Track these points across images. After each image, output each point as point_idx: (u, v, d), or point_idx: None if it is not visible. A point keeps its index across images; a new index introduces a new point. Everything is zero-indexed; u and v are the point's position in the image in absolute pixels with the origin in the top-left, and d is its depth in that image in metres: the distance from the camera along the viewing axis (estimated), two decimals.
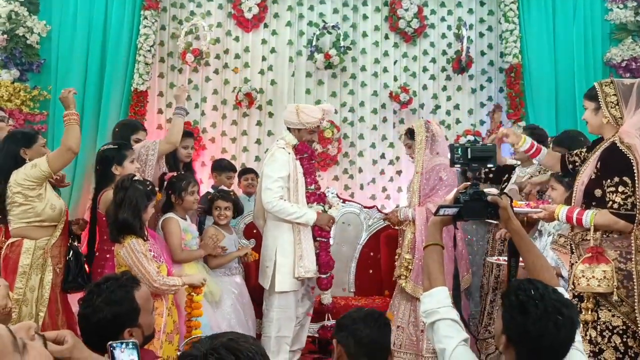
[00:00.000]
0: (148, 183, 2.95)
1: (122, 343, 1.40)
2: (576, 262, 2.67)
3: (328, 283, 3.82)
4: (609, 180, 2.56)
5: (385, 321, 1.95)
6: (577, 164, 2.95)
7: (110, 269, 3.18)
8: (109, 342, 1.40)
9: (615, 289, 2.50)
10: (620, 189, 2.52)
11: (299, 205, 3.65)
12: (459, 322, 1.79)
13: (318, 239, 3.76)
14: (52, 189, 3.22)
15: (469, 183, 1.99)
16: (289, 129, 3.79)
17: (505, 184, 3.96)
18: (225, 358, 1.27)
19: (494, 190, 2.01)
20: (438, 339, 1.76)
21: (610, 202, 2.54)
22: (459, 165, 2.08)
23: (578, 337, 1.70)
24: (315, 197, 3.80)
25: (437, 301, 1.82)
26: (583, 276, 2.54)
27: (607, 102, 2.64)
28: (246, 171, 5.03)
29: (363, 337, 1.86)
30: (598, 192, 2.61)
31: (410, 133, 3.79)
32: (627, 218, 2.52)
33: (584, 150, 2.92)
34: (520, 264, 2.05)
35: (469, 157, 2.04)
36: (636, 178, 2.50)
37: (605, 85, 2.67)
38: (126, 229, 2.78)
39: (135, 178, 2.93)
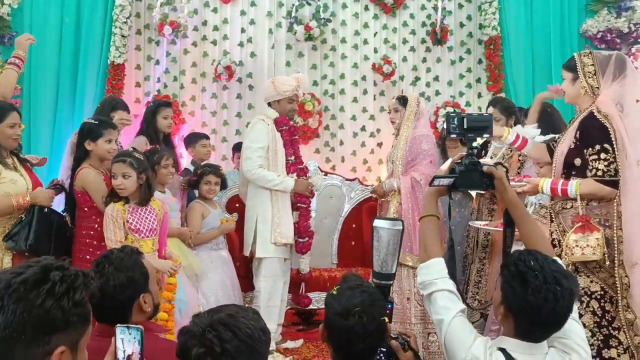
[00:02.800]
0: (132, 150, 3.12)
1: (127, 327, 1.38)
2: (555, 230, 2.74)
3: (304, 247, 3.95)
4: (590, 149, 2.61)
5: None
6: None
7: (88, 246, 3.15)
8: (117, 325, 1.39)
9: (601, 256, 2.56)
10: (603, 156, 2.57)
11: (277, 173, 3.79)
12: (456, 292, 1.79)
13: (298, 204, 3.90)
14: (11, 169, 3.03)
15: (464, 153, 1.99)
16: (269, 105, 3.94)
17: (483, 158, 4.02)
18: (223, 335, 1.26)
19: (489, 161, 2.01)
20: (435, 310, 1.76)
21: (594, 170, 2.59)
22: (455, 135, 2.06)
23: (575, 307, 1.73)
24: (295, 168, 3.91)
25: (434, 272, 1.81)
26: (577, 246, 2.57)
27: (585, 72, 2.69)
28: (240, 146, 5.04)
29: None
30: (578, 162, 2.66)
31: (402, 100, 3.87)
32: (611, 184, 2.57)
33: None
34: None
35: (465, 126, 2.01)
36: (615, 146, 2.56)
37: (584, 56, 2.73)
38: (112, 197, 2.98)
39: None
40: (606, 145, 2.57)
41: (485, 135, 2.09)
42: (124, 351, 1.36)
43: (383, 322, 1.64)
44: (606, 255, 2.57)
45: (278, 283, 3.84)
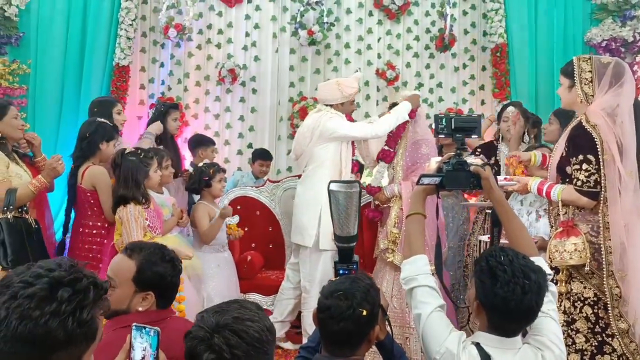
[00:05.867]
0: (140, 151, 3.02)
1: (143, 327, 1.39)
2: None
3: None
4: (574, 158, 2.62)
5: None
6: None
7: (91, 244, 3.16)
8: (134, 324, 1.41)
9: (588, 261, 2.56)
10: (584, 166, 2.57)
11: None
12: (437, 289, 1.82)
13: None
14: (16, 164, 3.08)
15: (452, 153, 2.01)
16: (330, 106, 3.85)
17: (495, 167, 4.02)
18: (231, 341, 1.27)
19: (477, 160, 2.04)
20: (415, 304, 1.80)
21: (575, 180, 2.61)
22: (443, 135, 2.10)
23: (552, 305, 1.77)
24: (358, 167, 4.08)
25: (416, 268, 1.85)
26: (556, 251, 2.61)
27: (581, 78, 2.66)
28: (267, 157, 5.19)
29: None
30: (568, 169, 2.67)
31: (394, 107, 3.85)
32: (589, 195, 2.58)
33: None
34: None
35: (453, 127, 2.06)
36: (600, 156, 2.55)
37: (583, 61, 2.69)
38: (124, 202, 2.91)
39: (127, 151, 2.99)
40: (589, 156, 2.57)
41: (473, 136, 2.12)
42: (144, 349, 1.37)
43: (361, 315, 1.66)
44: (589, 260, 2.57)
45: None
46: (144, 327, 1.38)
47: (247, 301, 1.41)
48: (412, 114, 3.78)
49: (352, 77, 4.02)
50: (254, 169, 5.13)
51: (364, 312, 1.66)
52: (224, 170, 3.90)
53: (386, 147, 3.83)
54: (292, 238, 3.96)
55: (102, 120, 3.36)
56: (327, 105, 3.85)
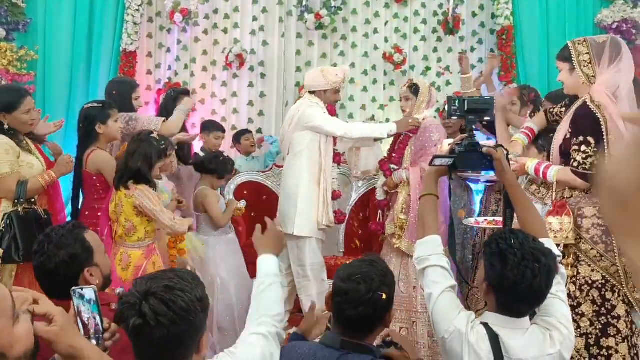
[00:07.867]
0: (163, 142, 2.95)
1: (81, 289, 1.37)
2: None
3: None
4: (575, 139, 2.61)
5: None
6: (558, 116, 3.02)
7: (102, 227, 3.19)
8: (72, 288, 1.38)
9: (563, 240, 2.56)
10: (583, 148, 2.57)
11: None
12: (449, 269, 1.85)
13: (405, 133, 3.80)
14: (28, 152, 3.05)
15: (465, 135, 2.02)
16: (312, 93, 3.86)
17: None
18: (157, 309, 1.29)
19: (490, 142, 2.04)
20: (427, 284, 1.83)
21: (572, 160, 2.61)
22: (456, 117, 2.11)
23: (561, 287, 1.80)
24: (339, 158, 3.99)
25: (429, 249, 1.87)
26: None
27: (580, 61, 2.63)
28: (246, 131, 5.16)
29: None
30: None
31: (413, 88, 3.83)
32: (583, 177, 2.58)
33: (562, 106, 2.94)
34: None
35: (466, 108, 2.07)
36: (604, 136, 2.54)
37: (579, 44, 2.66)
38: (137, 177, 2.82)
39: (153, 135, 2.96)
40: (589, 138, 2.56)
41: (486, 118, 2.12)
42: (88, 318, 1.36)
43: (380, 298, 1.67)
44: (594, 244, 2.58)
45: (322, 261, 3.85)
46: (82, 290, 1.36)
47: (185, 271, 1.41)
48: (415, 130, 3.74)
49: (339, 68, 4.05)
50: (243, 147, 5.09)
51: (383, 296, 1.67)
52: (232, 170, 3.98)
53: (394, 166, 3.82)
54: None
55: (90, 105, 3.34)
56: (311, 92, 3.87)
